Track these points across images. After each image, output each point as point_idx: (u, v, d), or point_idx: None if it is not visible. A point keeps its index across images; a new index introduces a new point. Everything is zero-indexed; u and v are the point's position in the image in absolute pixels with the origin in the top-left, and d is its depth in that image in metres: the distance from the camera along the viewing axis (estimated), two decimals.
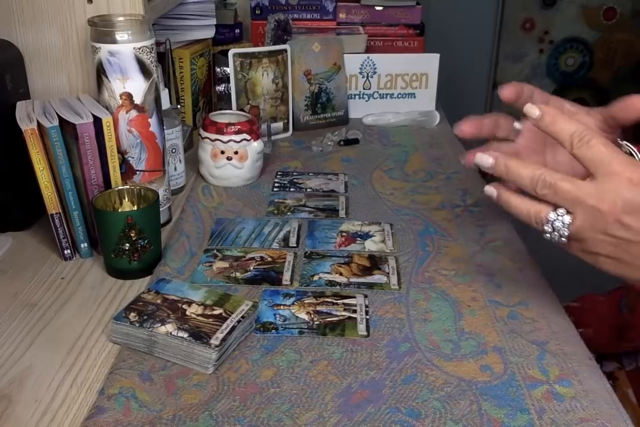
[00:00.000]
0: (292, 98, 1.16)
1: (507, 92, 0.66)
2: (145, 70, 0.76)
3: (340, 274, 0.74)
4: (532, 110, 0.57)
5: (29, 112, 0.76)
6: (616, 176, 0.53)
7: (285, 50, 1.12)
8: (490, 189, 0.60)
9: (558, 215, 0.56)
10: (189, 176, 0.99)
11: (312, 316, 0.67)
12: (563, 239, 0.56)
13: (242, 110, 1.07)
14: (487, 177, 1.03)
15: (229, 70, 1.07)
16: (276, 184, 0.98)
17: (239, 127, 0.93)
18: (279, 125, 1.15)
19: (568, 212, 0.55)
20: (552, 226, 0.56)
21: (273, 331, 0.65)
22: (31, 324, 0.66)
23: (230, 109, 1.08)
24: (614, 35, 2.39)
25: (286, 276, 0.74)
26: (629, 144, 0.62)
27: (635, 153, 0.61)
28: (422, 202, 0.93)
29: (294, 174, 1.01)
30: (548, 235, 0.57)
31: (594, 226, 0.54)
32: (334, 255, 0.78)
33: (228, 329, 0.60)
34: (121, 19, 0.79)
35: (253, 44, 1.32)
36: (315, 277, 0.73)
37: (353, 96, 1.25)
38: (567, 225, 0.55)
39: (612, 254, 0.55)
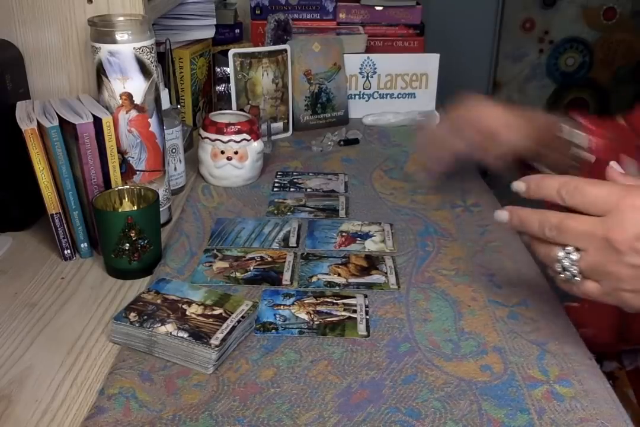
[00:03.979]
0: (292, 98, 1.16)
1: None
2: (145, 70, 0.76)
3: (339, 274, 0.74)
4: (518, 186, 0.57)
5: (29, 112, 0.76)
6: (618, 205, 0.52)
7: (285, 50, 1.12)
8: (524, 239, 0.60)
9: (566, 253, 0.54)
10: (189, 176, 0.99)
11: (312, 316, 0.67)
12: (576, 278, 0.54)
13: (242, 110, 1.07)
14: (486, 177, 1.03)
15: (229, 70, 1.07)
16: (276, 184, 0.98)
17: (239, 127, 0.93)
18: (279, 125, 1.15)
19: (577, 250, 0.54)
20: (561, 265, 0.55)
21: (273, 331, 0.65)
22: (31, 324, 0.66)
23: (230, 109, 1.08)
24: (614, 35, 2.39)
25: (286, 276, 0.74)
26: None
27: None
28: (422, 202, 0.93)
29: (294, 174, 1.01)
30: (562, 275, 0.55)
31: (609, 258, 0.52)
32: (331, 256, 0.78)
33: (228, 329, 0.60)
34: (121, 19, 0.79)
35: (253, 44, 1.32)
36: (314, 279, 0.73)
37: (353, 96, 1.25)
38: (576, 262, 0.54)
39: (635, 286, 0.53)
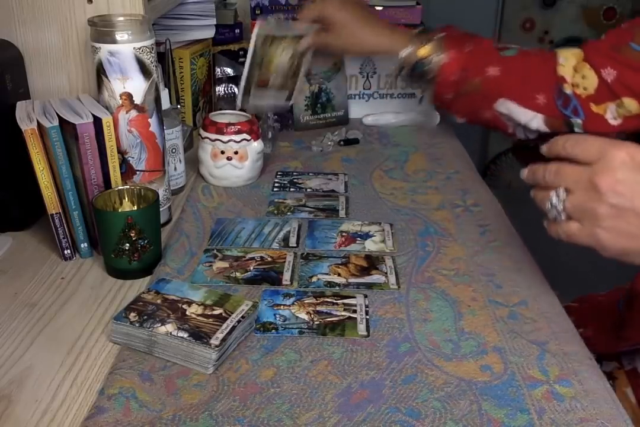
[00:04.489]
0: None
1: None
2: (145, 70, 0.76)
3: (339, 274, 0.74)
4: (543, 147, 0.64)
5: (29, 112, 0.76)
6: (607, 154, 0.57)
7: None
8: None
9: (557, 193, 0.60)
10: (189, 176, 0.99)
11: (312, 316, 0.67)
12: (561, 216, 0.60)
13: (242, 110, 1.07)
14: (486, 177, 1.03)
15: (251, 40, 1.05)
16: (276, 184, 0.98)
17: (239, 127, 0.93)
18: (284, 94, 1.11)
19: (566, 190, 0.60)
20: (550, 203, 0.61)
21: (273, 331, 0.65)
22: (31, 324, 0.66)
23: (231, 109, 1.07)
24: None
25: (286, 276, 0.74)
26: None
27: None
28: (422, 202, 0.93)
29: (294, 174, 1.01)
30: (550, 215, 0.61)
31: (591, 197, 0.58)
32: (330, 256, 0.78)
33: (228, 329, 0.60)
34: (121, 19, 0.79)
35: None
36: (314, 279, 0.73)
37: (353, 96, 1.25)
38: (563, 200, 0.60)
39: (610, 225, 0.58)
